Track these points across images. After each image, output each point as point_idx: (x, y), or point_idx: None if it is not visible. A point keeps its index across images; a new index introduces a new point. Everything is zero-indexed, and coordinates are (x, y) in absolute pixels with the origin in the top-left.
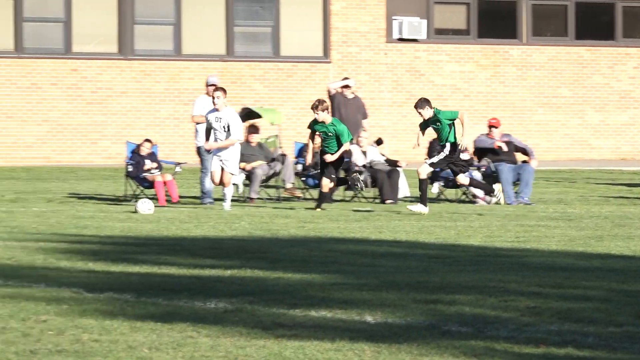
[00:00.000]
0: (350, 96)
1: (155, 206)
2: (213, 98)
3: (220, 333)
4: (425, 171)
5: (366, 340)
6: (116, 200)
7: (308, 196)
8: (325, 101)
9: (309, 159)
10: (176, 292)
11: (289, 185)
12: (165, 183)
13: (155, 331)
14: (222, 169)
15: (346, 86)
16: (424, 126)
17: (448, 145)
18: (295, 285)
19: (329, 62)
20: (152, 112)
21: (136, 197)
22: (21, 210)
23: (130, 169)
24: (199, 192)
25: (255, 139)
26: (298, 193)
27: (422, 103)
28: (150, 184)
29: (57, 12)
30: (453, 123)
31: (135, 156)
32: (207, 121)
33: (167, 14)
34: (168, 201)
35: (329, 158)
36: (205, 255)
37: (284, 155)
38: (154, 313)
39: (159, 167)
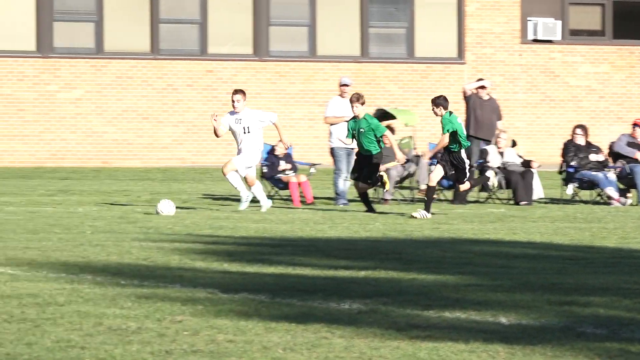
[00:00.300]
0: (486, 97)
1: (285, 207)
2: (233, 102)
3: (355, 334)
4: (465, 187)
5: (500, 342)
6: (251, 201)
7: (442, 197)
8: (363, 95)
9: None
10: (310, 293)
11: (423, 187)
12: (299, 184)
13: (290, 332)
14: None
15: (482, 87)
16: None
17: (462, 152)
18: (430, 286)
19: (464, 63)
20: (287, 113)
21: (271, 198)
22: None
23: (265, 170)
24: (333, 193)
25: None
26: None
27: (443, 101)
28: (285, 185)
29: (192, 14)
30: (458, 136)
31: (270, 157)
32: (230, 127)
33: (302, 15)
34: (302, 202)
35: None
36: (339, 256)
37: (418, 156)
38: (289, 314)
39: (294, 168)
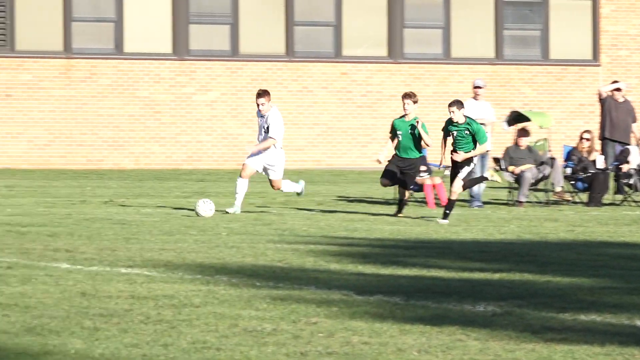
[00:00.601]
0: (621, 100)
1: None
2: (258, 105)
3: (489, 336)
4: (459, 191)
5: (636, 345)
6: (386, 203)
7: (577, 200)
8: (462, 101)
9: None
10: (445, 295)
11: (558, 189)
12: (434, 186)
13: (425, 334)
14: (268, 174)
15: (617, 89)
16: (447, 132)
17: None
18: (564, 288)
19: (599, 66)
20: (422, 115)
21: (405, 200)
22: (292, 212)
23: None
24: (467, 196)
25: (524, 142)
26: (567, 196)
27: (459, 104)
28: (420, 187)
29: (327, 16)
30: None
31: None
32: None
33: (436, 17)
34: (437, 204)
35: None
36: (474, 259)
37: (553, 158)
38: (423, 316)
39: (428, 171)
